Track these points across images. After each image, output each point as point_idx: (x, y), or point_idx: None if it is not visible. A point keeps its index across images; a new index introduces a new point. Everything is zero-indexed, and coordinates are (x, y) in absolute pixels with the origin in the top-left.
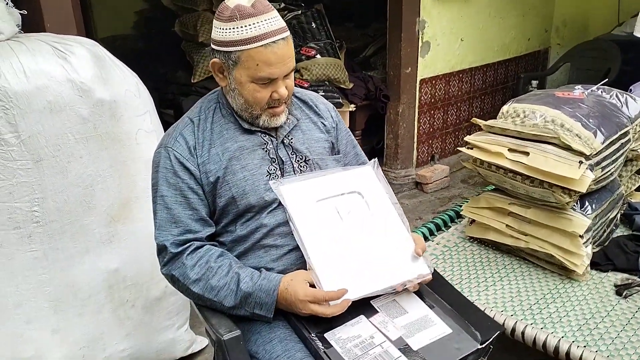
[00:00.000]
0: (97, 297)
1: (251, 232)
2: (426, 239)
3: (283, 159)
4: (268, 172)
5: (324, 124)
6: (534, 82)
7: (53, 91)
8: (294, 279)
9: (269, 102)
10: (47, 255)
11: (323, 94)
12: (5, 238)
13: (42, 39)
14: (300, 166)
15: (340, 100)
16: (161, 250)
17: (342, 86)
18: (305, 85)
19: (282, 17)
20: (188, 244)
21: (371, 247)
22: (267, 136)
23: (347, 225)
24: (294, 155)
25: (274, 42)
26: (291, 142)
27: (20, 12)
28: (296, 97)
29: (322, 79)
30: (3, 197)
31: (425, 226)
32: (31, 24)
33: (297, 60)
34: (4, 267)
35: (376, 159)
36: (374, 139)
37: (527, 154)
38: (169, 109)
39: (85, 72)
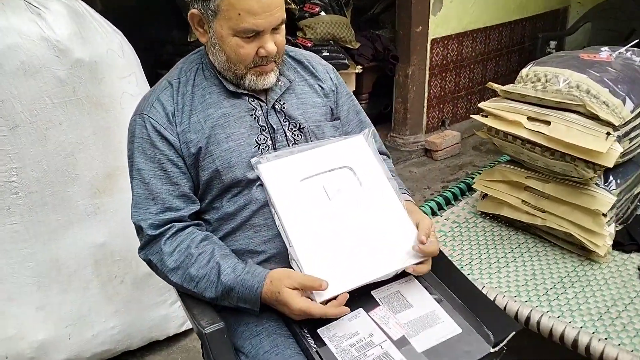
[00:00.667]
0: (83, 273)
1: (239, 209)
2: (434, 213)
3: (274, 126)
4: (257, 142)
5: (321, 87)
6: (552, 43)
7: (26, 51)
8: (281, 279)
9: (255, 60)
10: (28, 229)
11: (327, 54)
12: None
13: None
14: (294, 135)
15: (346, 61)
16: (138, 230)
17: (348, 46)
18: (309, 44)
19: None
20: (168, 226)
21: (364, 230)
22: (256, 101)
23: (336, 205)
24: (287, 123)
25: None
26: (283, 108)
27: None
28: (289, 56)
29: (327, 38)
30: None
31: (434, 200)
32: None
33: (300, 18)
34: None
35: (371, 128)
36: (381, 103)
37: (548, 123)
38: (165, 70)
39: (61, 30)
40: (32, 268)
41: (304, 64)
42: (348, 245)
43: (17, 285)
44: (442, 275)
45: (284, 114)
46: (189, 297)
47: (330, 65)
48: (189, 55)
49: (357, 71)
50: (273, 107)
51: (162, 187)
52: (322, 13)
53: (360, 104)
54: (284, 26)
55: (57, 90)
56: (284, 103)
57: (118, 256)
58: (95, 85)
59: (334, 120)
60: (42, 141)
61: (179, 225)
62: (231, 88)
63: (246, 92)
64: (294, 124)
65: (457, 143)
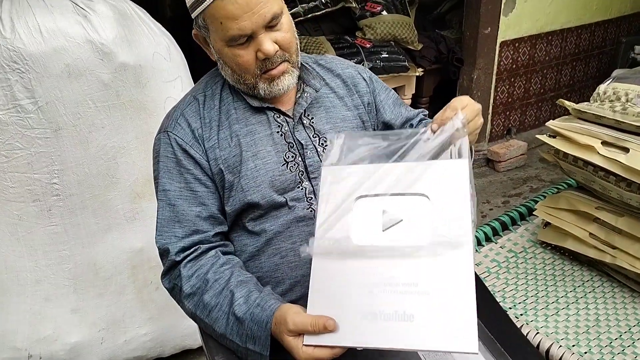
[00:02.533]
0: (120, 277)
1: (263, 230)
2: (488, 239)
3: (302, 142)
4: (285, 159)
5: (351, 100)
6: (637, 48)
7: (72, 53)
8: (281, 323)
9: (259, 66)
10: (67, 231)
11: (386, 55)
12: (25, 211)
13: None
14: (325, 150)
15: (406, 63)
16: (162, 255)
17: (409, 47)
18: (367, 45)
19: None
20: (193, 249)
21: (405, 283)
22: (282, 117)
23: (385, 240)
24: (317, 138)
25: None
26: (312, 122)
27: None
28: (317, 64)
29: (387, 39)
30: (21, 168)
31: (489, 224)
32: None
33: (361, 17)
34: (24, 241)
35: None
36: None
37: (626, 150)
38: None
39: (106, 33)
40: (69, 270)
41: (332, 72)
42: (374, 292)
43: (55, 286)
44: (488, 321)
45: (313, 128)
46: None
47: (361, 67)
48: (213, 69)
49: (417, 74)
50: (300, 121)
51: (189, 209)
52: (384, 12)
53: (420, 107)
54: (284, 21)
55: (100, 94)
56: (312, 118)
57: (155, 262)
58: (139, 89)
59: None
60: (84, 144)
61: (204, 247)
62: (255, 104)
63: (271, 106)
64: (324, 139)
65: (523, 154)
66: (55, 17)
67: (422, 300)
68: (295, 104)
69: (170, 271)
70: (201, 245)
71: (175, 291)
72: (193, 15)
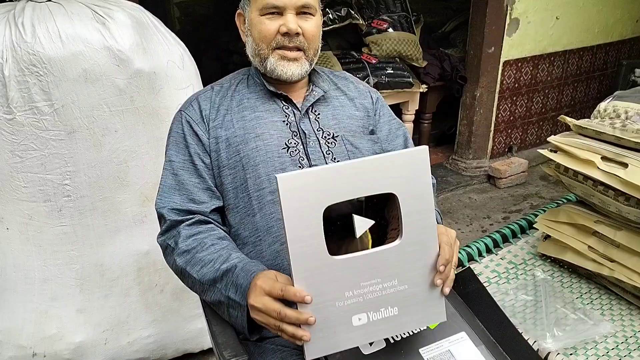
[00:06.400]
0: (125, 279)
1: (263, 217)
2: (489, 251)
3: (306, 131)
4: (286, 144)
5: (361, 103)
6: (638, 71)
7: (89, 59)
8: (266, 280)
9: (277, 40)
10: (76, 232)
11: (391, 71)
12: (36, 210)
13: (82, 2)
14: (328, 142)
15: (410, 79)
16: (160, 218)
17: (414, 64)
18: (373, 61)
19: None
20: (191, 215)
21: (384, 276)
22: (290, 107)
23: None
24: (320, 131)
25: None
26: (318, 117)
27: None
28: (332, 74)
29: (393, 55)
30: (35, 168)
31: (490, 236)
32: None
33: (367, 34)
34: (33, 240)
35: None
36: (445, 123)
37: (625, 165)
38: None
39: (124, 40)
40: (76, 270)
41: (347, 79)
42: (358, 295)
43: (62, 286)
44: (490, 326)
45: (318, 123)
46: (216, 324)
47: (372, 87)
48: (240, 69)
49: (421, 90)
50: (307, 114)
51: (189, 179)
52: (390, 30)
53: (423, 123)
54: (315, 19)
55: (115, 99)
56: (318, 113)
57: (160, 265)
58: (152, 96)
59: (371, 134)
60: (97, 147)
61: (202, 218)
62: (271, 88)
63: (284, 94)
64: (328, 133)
65: (524, 171)
66: (75, 23)
67: (400, 294)
68: (304, 99)
69: (169, 231)
70: (198, 216)
71: (168, 249)
72: None
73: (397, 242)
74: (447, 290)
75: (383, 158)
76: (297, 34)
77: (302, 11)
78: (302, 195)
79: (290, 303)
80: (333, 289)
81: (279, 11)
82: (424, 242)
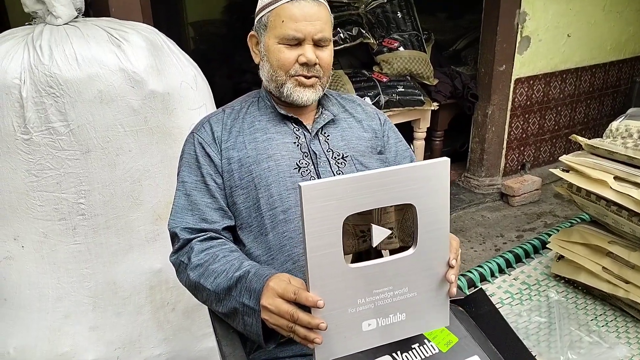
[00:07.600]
0: (138, 297)
1: (275, 236)
2: (502, 271)
3: (316, 152)
4: (298, 165)
5: (369, 125)
6: None
7: (105, 80)
8: (279, 282)
9: (295, 69)
10: (90, 250)
11: (402, 89)
12: (51, 229)
13: (99, 24)
14: (338, 163)
15: (421, 97)
16: (173, 237)
17: (425, 82)
18: (384, 79)
19: (367, 6)
20: (203, 233)
21: (396, 284)
22: (300, 129)
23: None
24: (330, 152)
25: None
26: (327, 139)
27: None
28: (340, 97)
29: (404, 74)
30: (50, 187)
31: (502, 256)
32: (99, 8)
33: (378, 53)
34: (48, 258)
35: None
36: (457, 141)
37: (638, 185)
38: None
39: (138, 62)
40: (89, 288)
41: (354, 102)
42: (371, 304)
43: (75, 304)
44: (503, 349)
45: (328, 144)
46: (226, 344)
47: (380, 110)
48: (248, 93)
49: (432, 108)
50: (317, 136)
51: (202, 199)
52: (401, 48)
53: (435, 141)
54: (329, 49)
55: (130, 119)
56: (328, 135)
57: (172, 283)
58: (166, 116)
59: (380, 154)
60: (111, 167)
61: (213, 234)
62: (282, 111)
63: (294, 117)
64: (338, 153)
65: (537, 189)
66: (91, 46)
67: (409, 301)
68: (313, 122)
69: (182, 248)
70: (211, 233)
71: (182, 266)
72: (259, 16)
73: (411, 250)
74: (454, 290)
75: (404, 169)
76: (315, 64)
77: (319, 43)
78: (324, 205)
79: (301, 306)
80: (347, 296)
81: (297, 42)
82: (436, 251)
